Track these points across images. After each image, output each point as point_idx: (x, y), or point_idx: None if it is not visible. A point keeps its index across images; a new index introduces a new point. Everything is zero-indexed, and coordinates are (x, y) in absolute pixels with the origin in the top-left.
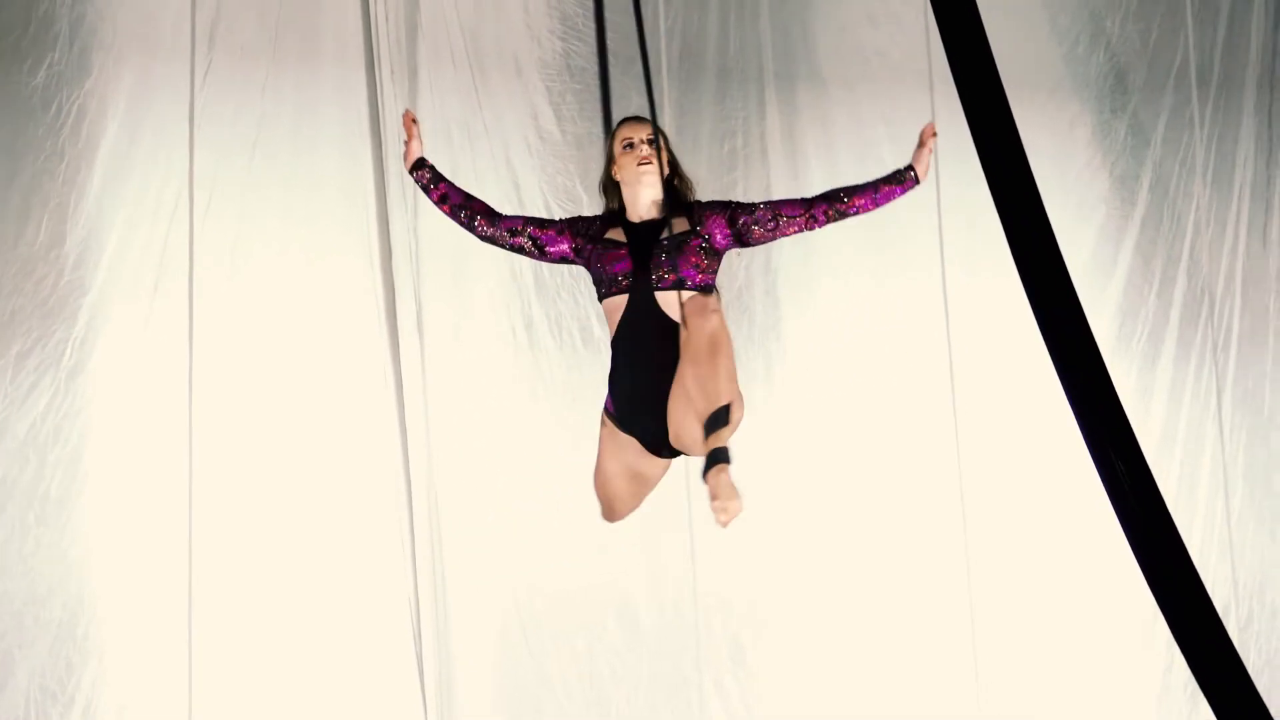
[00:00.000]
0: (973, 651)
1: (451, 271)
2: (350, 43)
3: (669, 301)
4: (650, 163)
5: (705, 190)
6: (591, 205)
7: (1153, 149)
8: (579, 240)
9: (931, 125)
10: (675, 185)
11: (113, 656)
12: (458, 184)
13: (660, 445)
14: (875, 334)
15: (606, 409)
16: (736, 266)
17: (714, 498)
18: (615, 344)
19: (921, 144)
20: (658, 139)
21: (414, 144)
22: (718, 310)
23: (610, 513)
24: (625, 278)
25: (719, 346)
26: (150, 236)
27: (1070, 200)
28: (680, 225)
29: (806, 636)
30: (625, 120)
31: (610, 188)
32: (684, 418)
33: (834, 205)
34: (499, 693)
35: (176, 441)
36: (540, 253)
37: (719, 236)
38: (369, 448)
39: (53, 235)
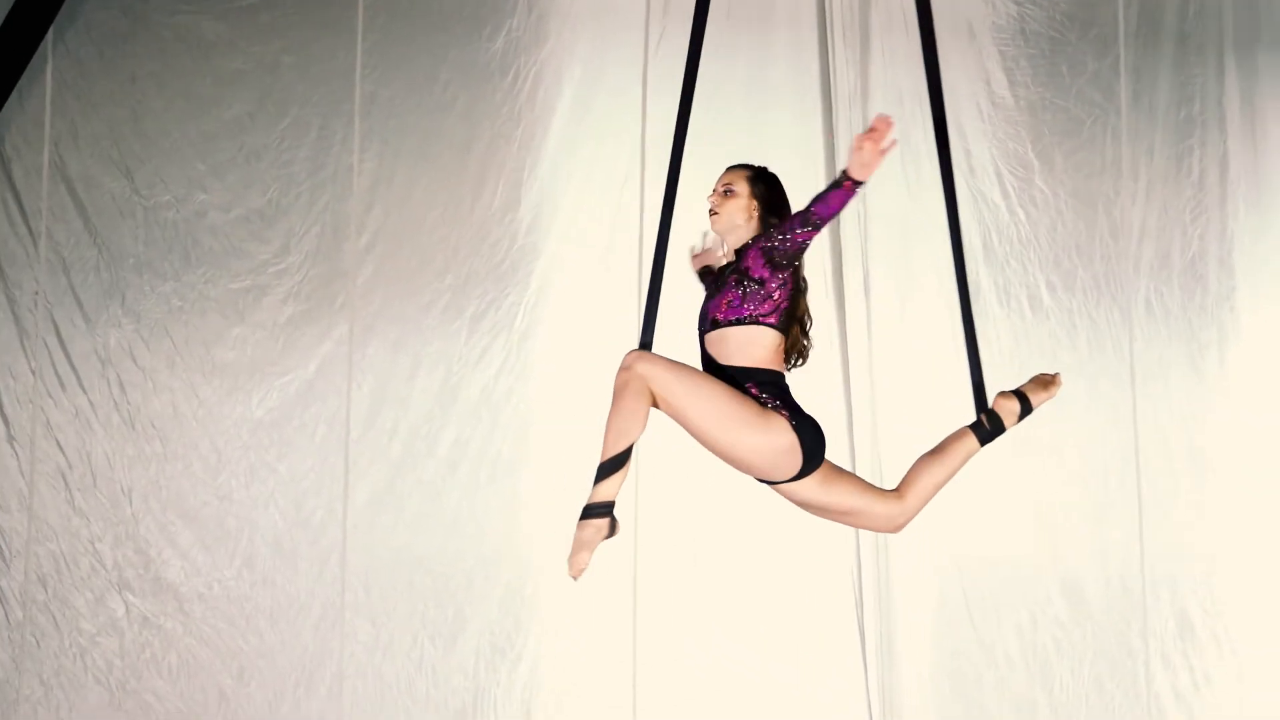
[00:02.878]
0: None
1: (899, 237)
2: (803, 8)
3: (711, 343)
4: (715, 213)
5: (1160, 155)
6: (1042, 172)
7: None
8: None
9: (876, 131)
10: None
11: (560, 616)
12: (909, 150)
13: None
14: None
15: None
16: (1190, 235)
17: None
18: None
19: (857, 147)
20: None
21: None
22: (628, 367)
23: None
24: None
25: (618, 399)
26: (602, 201)
27: None
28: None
29: (1258, 610)
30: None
31: None
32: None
33: (808, 216)
34: (939, 659)
35: None
36: None
37: (756, 267)
38: (815, 411)
39: (507, 200)
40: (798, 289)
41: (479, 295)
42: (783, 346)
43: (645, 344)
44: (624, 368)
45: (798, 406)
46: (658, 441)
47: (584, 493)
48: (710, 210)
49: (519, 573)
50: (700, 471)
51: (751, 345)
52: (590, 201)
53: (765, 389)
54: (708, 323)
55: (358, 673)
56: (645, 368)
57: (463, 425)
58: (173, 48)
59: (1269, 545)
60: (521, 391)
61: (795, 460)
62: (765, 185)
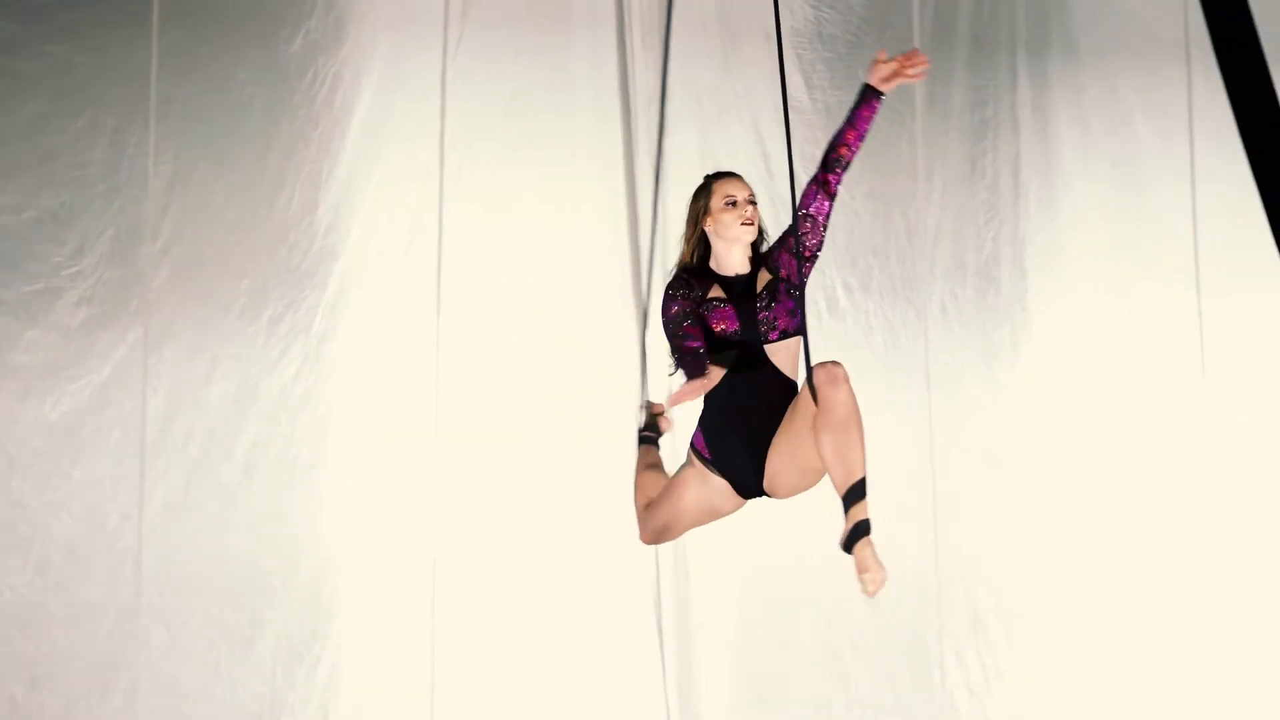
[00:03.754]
0: (1221, 633)
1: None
2: (602, 10)
3: (776, 352)
4: (753, 224)
5: (954, 157)
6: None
7: None
8: (694, 311)
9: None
10: (760, 237)
11: (358, 620)
12: (707, 151)
13: (752, 489)
14: (1126, 313)
15: (699, 451)
16: (984, 237)
17: (863, 570)
18: (716, 395)
19: (895, 71)
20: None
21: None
22: (848, 380)
23: (656, 539)
24: (734, 334)
25: (857, 418)
26: (400, 203)
27: None
28: (765, 276)
29: (1050, 609)
30: (724, 176)
31: (699, 240)
32: (785, 466)
33: (832, 163)
34: (738, 661)
35: (423, 406)
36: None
37: (793, 271)
38: (615, 415)
39: (305, 202)
40: None
41: (277, 298)
42: None
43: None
44: (846, 380)
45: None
46: (456, 445)
47: (383, 495)
48: (746, 222)
49: (317, 577)
50: (498, 476)
51: (794, 358)
52: (389, 203)
53: None
54: (776, 331)
55: (153, 678)
56: None
57: (260, 428)
58: None
59: (1059, 543)
60: (320, 394)
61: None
62: None
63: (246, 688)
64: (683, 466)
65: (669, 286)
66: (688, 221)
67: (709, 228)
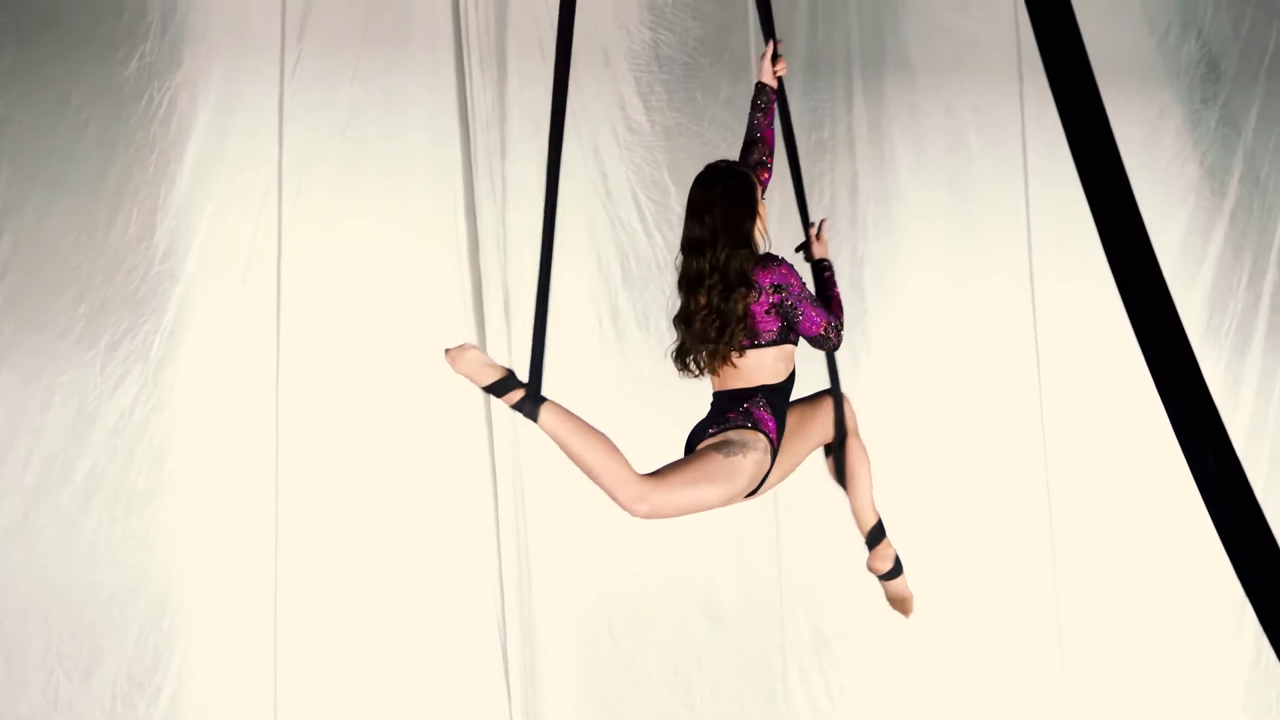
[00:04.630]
0: (1058, 643)
1: (539, 261)
2: (440, 32)
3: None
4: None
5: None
6: (679, 196)
7: (1244, 139)
8: None
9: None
10: None
11: (199, 647)
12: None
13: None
14: (962, 327)
15: (770, 438)
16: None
17: (906, 598)
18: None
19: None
20: None
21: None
22: None
23: (655, 515)
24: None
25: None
26: (239, 226)
27: (1160, 191)
28: None
29: (890, 625)
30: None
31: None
32: (778, 471)
33: (755, 147)
34: (583, 682)
35: (263, 432)
36: None
37: None
38: (455, 438)
39: (143, 226)
40: None
41: (114, 323)
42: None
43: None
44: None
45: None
46: (297, 471)
47: (223, 522)
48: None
49: (157, 605)
50: (340, 500)
51: (762, 368)
52: (227, 227)
53: None
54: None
55: None
56: None
57: (98, 455)
58: None
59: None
60: (158, 420)
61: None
62: None
63: (86, 718)
64: (736, 448)
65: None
66: (755, 215)
67: (758, 227)
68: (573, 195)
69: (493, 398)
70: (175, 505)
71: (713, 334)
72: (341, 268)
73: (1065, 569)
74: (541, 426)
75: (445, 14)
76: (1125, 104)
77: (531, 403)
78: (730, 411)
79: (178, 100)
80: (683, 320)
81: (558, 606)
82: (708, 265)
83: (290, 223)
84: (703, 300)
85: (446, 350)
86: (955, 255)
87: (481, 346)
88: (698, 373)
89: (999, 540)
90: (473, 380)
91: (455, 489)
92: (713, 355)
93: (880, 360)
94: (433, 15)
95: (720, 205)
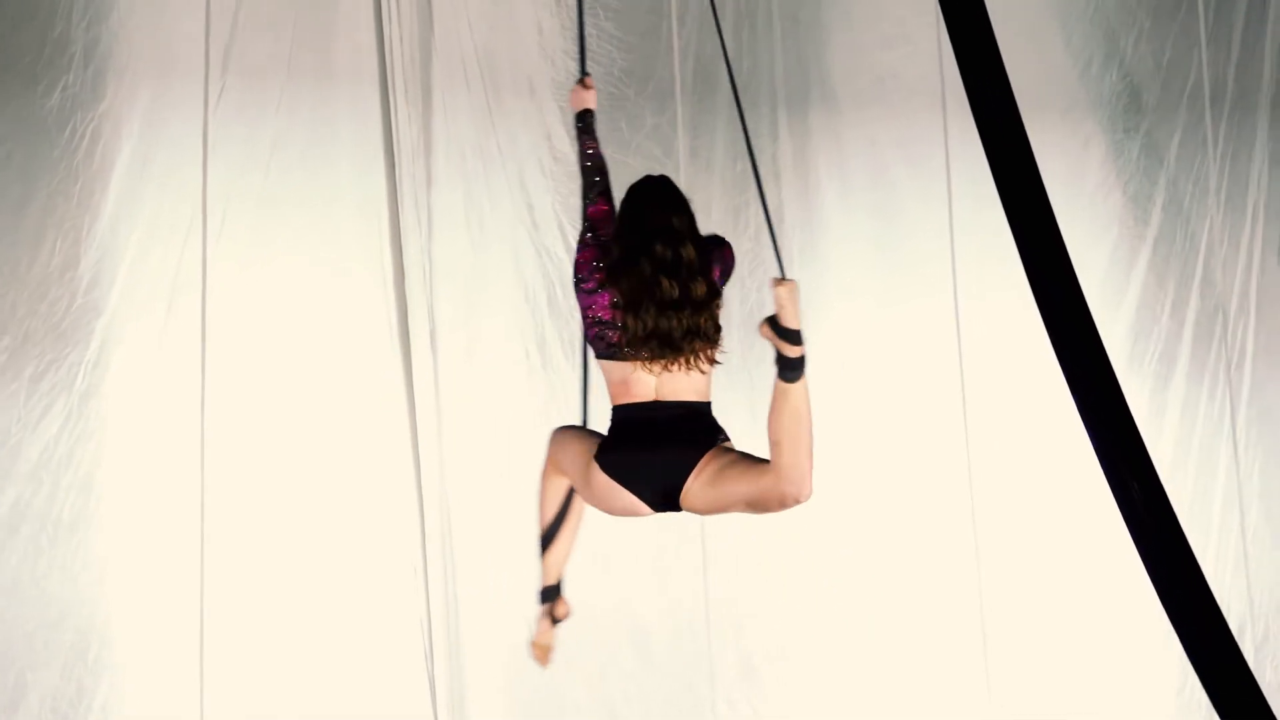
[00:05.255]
0: (985, 668)
1: (464, 292)
2: (364, 64)
3: None
4: None
5: (718, 209)
6: None
7: (1166, 168)
8: None
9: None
10: None
11: (124, 680)
12: (472, 204)
13: None
14: (887, 353)
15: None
16: (749, 287)
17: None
18: None
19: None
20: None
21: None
22: None
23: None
24: None
25: None
26: (164, 258)
27: (1083, 219)
28: None
29: (818, 652)
30: None
31: None
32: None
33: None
34: (511, 714)
35: (188, 463)
36: None
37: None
38: (382, 467)
39: (66, 258)
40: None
41: (38, 355)
42: (646, 373)
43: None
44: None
45: (631, 438)
46: (222, 503)
47: (147, 555)
48: None
49: (82, 637)
50: (266, 533)
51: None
52: (151, 258)
53: (612, 428)
54: None
55: None
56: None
57: (23, 488)
58: None
59: (824, 583)
60: (83, 452)
61: (630, 498)
62: None
63: None
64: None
65: None
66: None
67: None
68: (498, 226)
69: None
70: (101, 537)
71: (711, 331)
72: (267, 298)
73: (991, 591)
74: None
75: (370, 46)
76: (1049, 134)
77: None
78: (695, 427)
79: (101, 131)
80: (672, 305)
81: (485, 638)
82: (696, 254)
83: (215, 254)
84: (702, 289)
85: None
86: (880, 279)
87: (407, 378)
88: (676, 367)
89: (925, 563)
90: None
91: (381, 522)
92: (698, 353)
93: (810, 379)
94: (357, 47)
95: (688, 210)
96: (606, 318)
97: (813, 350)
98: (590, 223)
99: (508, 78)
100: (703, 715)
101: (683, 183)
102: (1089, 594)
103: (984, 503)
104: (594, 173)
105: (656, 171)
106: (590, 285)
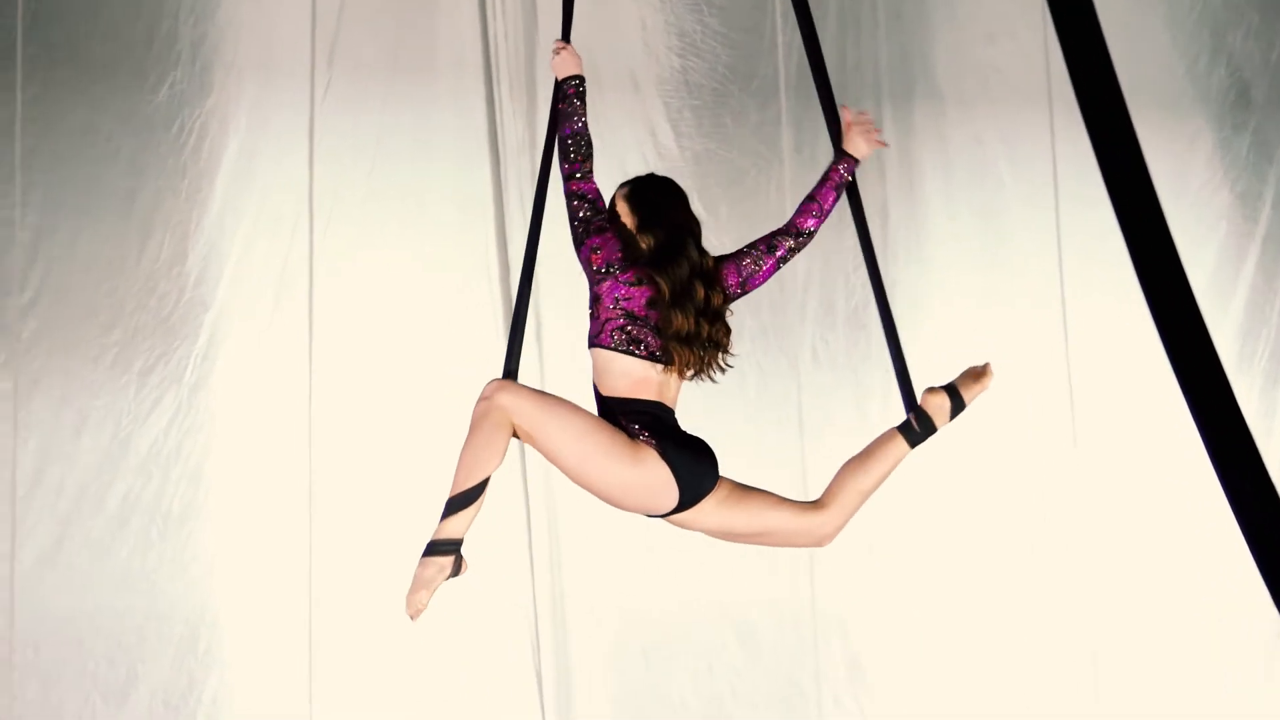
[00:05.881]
0: (1094, 672)
1: (569, 287)
2: (468, 58)
3: None
4: None
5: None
6: (708, 221)
7: (1275, 165)
8: None
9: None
10: None
11: (234, 671)
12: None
13: None
14: (991, 356)
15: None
16: (854, 282)
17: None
18: None
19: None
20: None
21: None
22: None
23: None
24: None
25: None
26: (270, 252)
27: (1191, 218)
28: None
29: (925, 651)
30: None
31: None
32: None
33: (788, 236)
34: (616, 710)
35: (297, 456)
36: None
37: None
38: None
39: (174, 252)
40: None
41: (147, 349)
42: (659, 375)
43: (509, 373)
44: (484, 397)
45: (672, 433)
46: (330, 495)
47: (257, 546)
48: None
49: (192, 629)
50: (374, 526)
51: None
52: (258, 252)
53: (635, 419)
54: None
55: None
56: (507, 398)
57: (133, 480)
58: None
59: (934, 586)
60: (192, 445)
61: (671, 492)
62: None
63: None
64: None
65: None
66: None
67: None
68: None
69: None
70: (209, 529)
71: (724, 341)
72: (373, 292)
73: (1101, 594)
74: None
75: (474, 40)
76: (1155, 131)
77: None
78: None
79: (208, 127)
80: (701, 312)
81: (591, 631)
82: (712, 265)
83: (322, 248)
84: (719, 299)
85: None
86: (985, 280)
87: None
88: (687, 374)
89: (1036, 567)
90: None
91: (488, 514)
92: (709, 364)
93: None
94: (460, 42)
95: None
96: (641, 314)
97: (914, 352)
98: (590, 200)
99: (610, 73)
100: (809, 713)
101: (787, 179)
102: (1201, 598)
103: (1093, 505)
104: (589, 146)
105: (764, 169)
106: (629, 276)
